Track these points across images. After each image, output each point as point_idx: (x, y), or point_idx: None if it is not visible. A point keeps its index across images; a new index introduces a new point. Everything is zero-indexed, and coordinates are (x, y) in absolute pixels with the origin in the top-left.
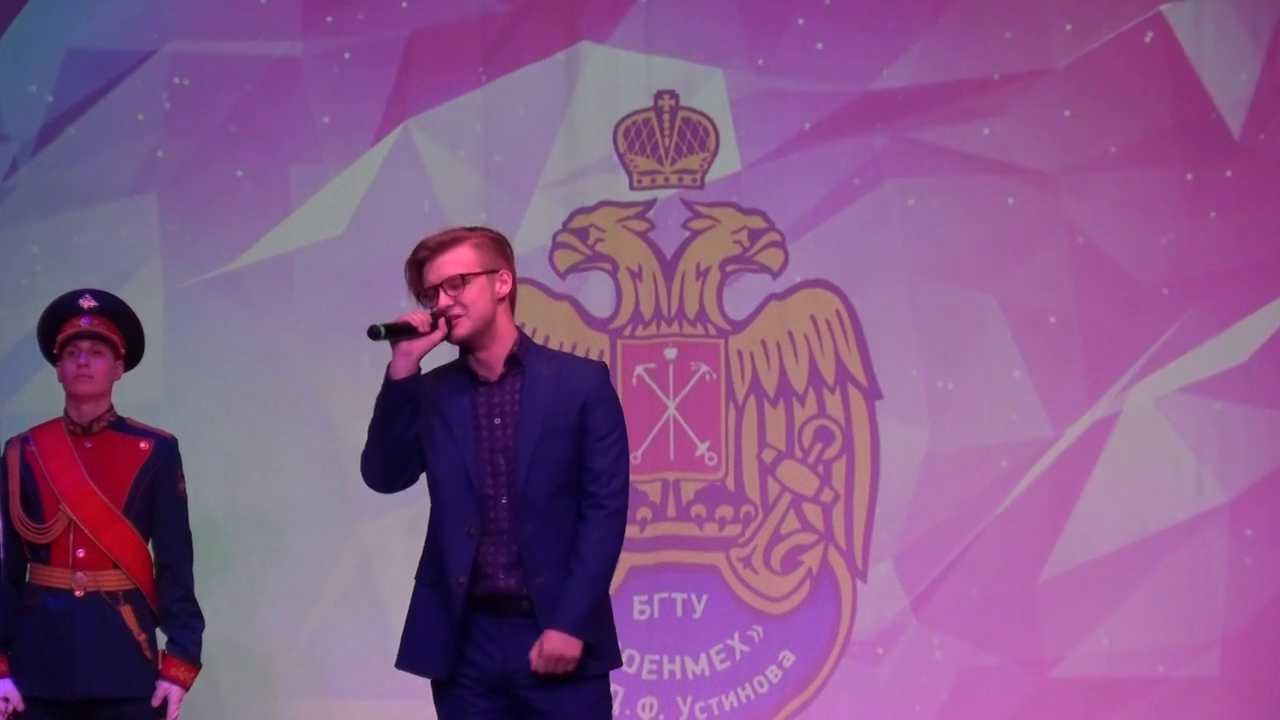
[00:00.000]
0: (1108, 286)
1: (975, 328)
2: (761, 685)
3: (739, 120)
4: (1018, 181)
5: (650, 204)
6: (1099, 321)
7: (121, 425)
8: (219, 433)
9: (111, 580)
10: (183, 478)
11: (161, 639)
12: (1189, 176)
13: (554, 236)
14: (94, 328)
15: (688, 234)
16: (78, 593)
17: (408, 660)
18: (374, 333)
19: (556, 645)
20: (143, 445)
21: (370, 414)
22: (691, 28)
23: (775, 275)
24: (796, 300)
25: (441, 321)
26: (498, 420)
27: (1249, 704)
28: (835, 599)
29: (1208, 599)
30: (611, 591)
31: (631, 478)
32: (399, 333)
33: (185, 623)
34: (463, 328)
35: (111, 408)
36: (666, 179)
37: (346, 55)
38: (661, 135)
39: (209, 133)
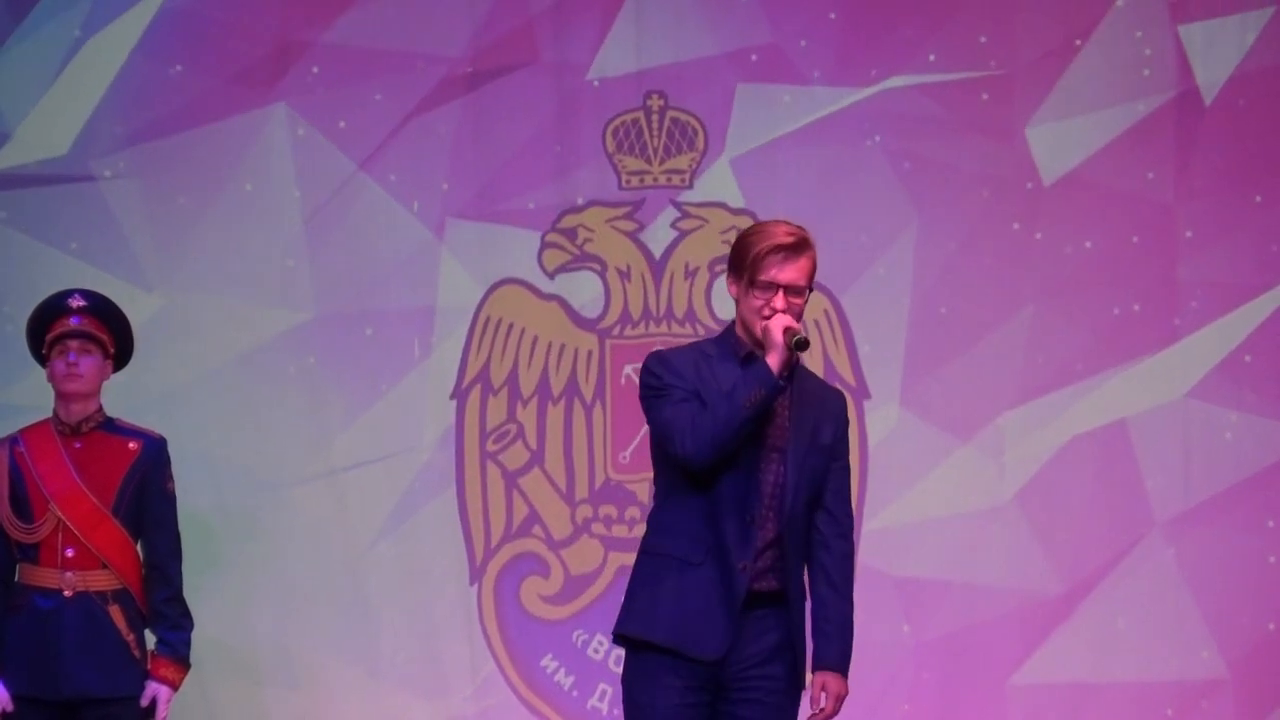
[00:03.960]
0: (1097, 288)
1: (963, 328)
2: None
3: (728, 121)
4: (1008, 185)
5: (639, 204)
6: (1087, 323)
7: (110, 425)
8: (208, 433)
9: (100, 580)
10: (171, 478)
11: (150, 639)
12: (1175, 179)
13: (542, 236)
14: (83, 327)
15: (676, 234)
16: (66, 593)
17: (665, 633)
18: (806, 345)
19: (843, 688)
20: (131, 445)
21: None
22: (682, 28)
23: None
24: None
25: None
26: (768, 419)
27: (1254, 705)
28: None
29: (1198, 599)
30: (600, 590)
31: (620, 478)
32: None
33: (174, 623)
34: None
35: (101, 408)
36: (655, 179)
37: (338, 53)
38: (650, 135)
39: (198, 128)
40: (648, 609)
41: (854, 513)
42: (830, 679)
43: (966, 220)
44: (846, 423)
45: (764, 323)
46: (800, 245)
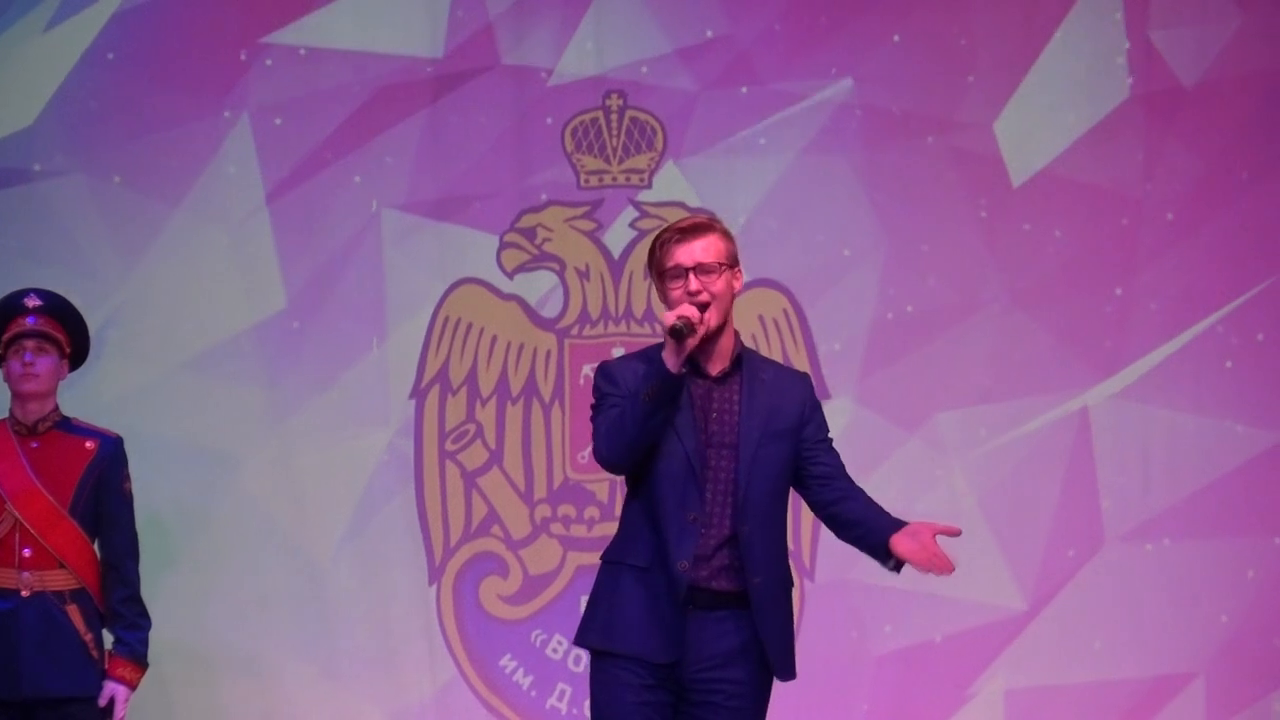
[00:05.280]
0: (1069, 284)
1: (924, 330)
2: None
3: (687, 120)
4: (973, 183)
5: (598, 204)
6: (1060, 321)
7: (67, 425)
8: (165, 432)
9: (58, 580)
10: (128, 477)
11: (108, 639)
12: (1148, 189)
13: (501, 236)
14: (39, 327)
15: (635, 234)
16: (24, 593)
17: (630, 642)
18: (679, 333)
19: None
20: (88, 445)
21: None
22: (641, 28)
23: None
24: (744, 300)
25: (702, 314)
26: (715, 414)
27: (1225, 705)
28: None
29: (1166, 603)
30: (559, 590)
31: (579, 477)
32: (691, 331)
33: (132, 622)
34: (713, 317)
35: (57, 407)
36: (614, 178)
37: (302, 52)
38: (609, 135)
39: (157, 126)
40: (605, 619)
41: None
42: (917, 526)
43: (934, 216)
44: (815, 403)
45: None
46: (698, 227)
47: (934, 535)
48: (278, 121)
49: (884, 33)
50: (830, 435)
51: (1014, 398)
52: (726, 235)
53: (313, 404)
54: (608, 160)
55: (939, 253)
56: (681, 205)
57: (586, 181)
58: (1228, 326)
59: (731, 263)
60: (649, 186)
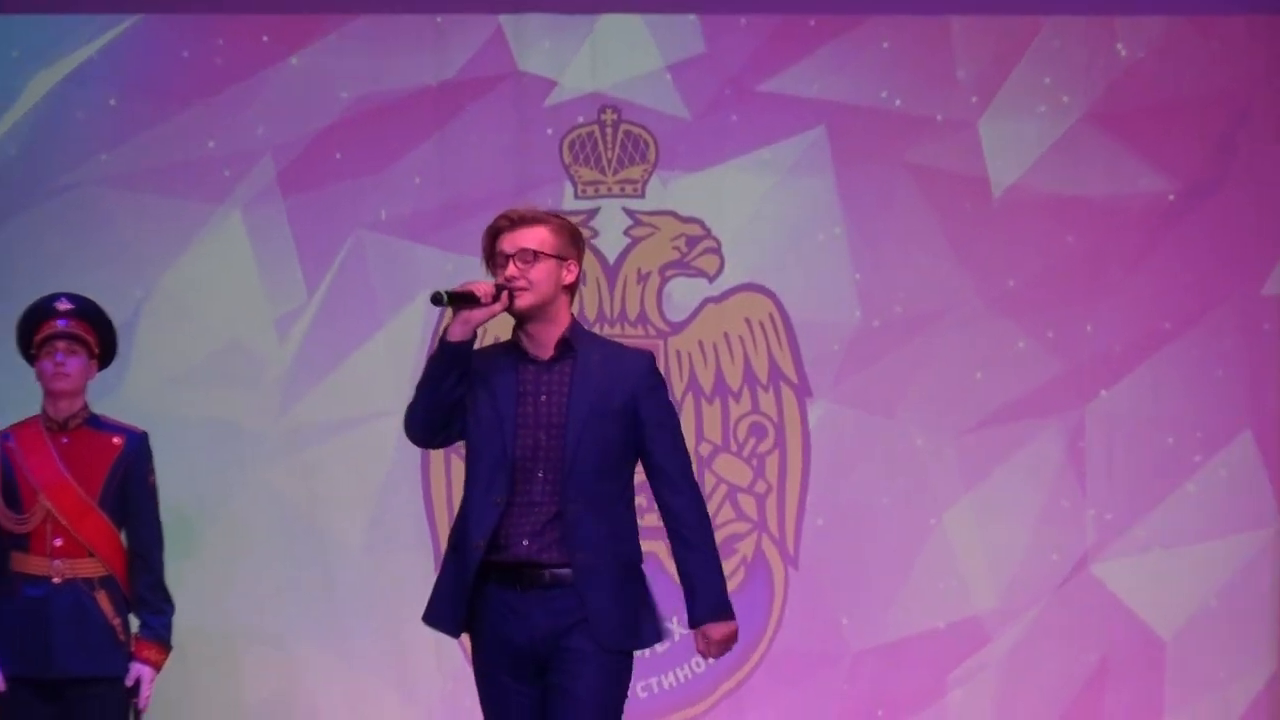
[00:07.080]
0: (1045, 296)
1: (909, 333)
2: (698, 665)
3: (679, 132)
4: (957, 190)
5: (594, 212)
6: (1036, 331)
7: (96, 421)
8: (188, 428)
9: (87, 568)
10: (153, 471)
11: (134, 623)
12: (1127, 198)
13: None
14: (70, 329)
15: (629, 240)
16: (55, 580)
17: (431, 616)
18: (437, 299)
19: (722, 631)
20: (115, 440)
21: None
22: (635, 43)
23: (712, 279)
24: (732, 303)
25: (505, 294)
26: (544, 397)
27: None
28: (768, 585)
29: (1145, 602)
30: None
31: None
32: (461, 300)
33: (156, 607)
34: (524, 300)
35: (86, 405)
36: (609, 189)
37: (294, 61)
38: (604, 147)
39: (178, 140)
40: (431, 597)
41: (689, 461)
42: (708, 629)
43: (918, 221)
44: (651, 383)
45: None
46: (527, 219)
47: (711, 645)
48: (283, 139)
49: (873, 39)
50: (670, 415)
51: (999, 402)
52: (562, 230)
53: (326, 400)
54: (603, 171)
55: (924, 258)
56: (673, 214)
57: (583, 191)
58: (1213, 332)
59: (560, 254)
60: (642, 196)
